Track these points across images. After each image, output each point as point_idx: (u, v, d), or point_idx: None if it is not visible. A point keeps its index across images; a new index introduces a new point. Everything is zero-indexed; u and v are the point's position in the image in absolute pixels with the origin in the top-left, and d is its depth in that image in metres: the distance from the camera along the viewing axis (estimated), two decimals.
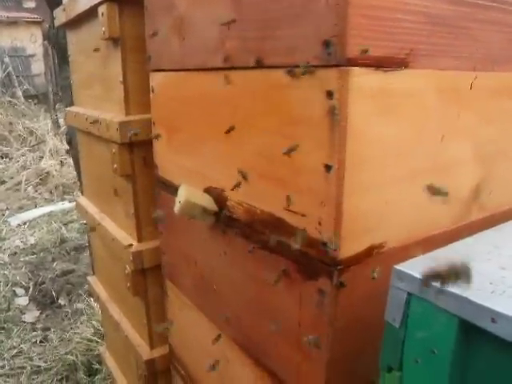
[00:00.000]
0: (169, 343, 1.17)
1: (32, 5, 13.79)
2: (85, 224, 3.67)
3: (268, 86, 0.61)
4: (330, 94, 0.51)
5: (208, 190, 0.77)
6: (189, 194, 0.74)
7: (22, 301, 2.89)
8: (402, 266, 0.48)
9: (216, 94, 0.73)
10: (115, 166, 1.09)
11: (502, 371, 0.40)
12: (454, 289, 0.43)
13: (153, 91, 0.95)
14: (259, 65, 0.61)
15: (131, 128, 1.03)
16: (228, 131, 0.68)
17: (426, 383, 0.46)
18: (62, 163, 5.57)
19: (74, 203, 4.52)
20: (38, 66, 11.45)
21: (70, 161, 5.30)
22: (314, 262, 0.58)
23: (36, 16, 12.64)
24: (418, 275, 0.46)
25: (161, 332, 1.16)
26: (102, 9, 1.04)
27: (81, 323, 2.54)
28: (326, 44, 0.50)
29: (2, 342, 2.42)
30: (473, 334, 0.42)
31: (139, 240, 1.14)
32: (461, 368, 0.43)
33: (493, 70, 0.71)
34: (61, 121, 7.43)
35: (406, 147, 0.60)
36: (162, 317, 1.16)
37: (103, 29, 1.04)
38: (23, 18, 12.44)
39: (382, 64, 0.54)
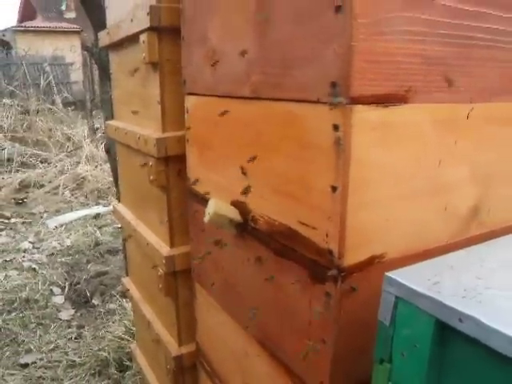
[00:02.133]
0: (196, 341, 1.27)
1: (72, 15, 14.30)
2: (119, 228, 3.84)
3: (285, 115, 0.71)
4: (336, 127, 0.60)
5: (234, 203, 0.88)
6: (217, 207, 0.84)
7: (59, 299, 3.04)
8: (392, 274, 0.57)
9: (242, 120, 0.83)
10: (152, 177, 1.21)
11: (469, 362, 0.49)
12: (432, 293, 0.52)
13: (187, 112, 1.07)
14: (278, 97, 0.71)
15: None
16: (251, 160, 0.79)
17: (410, 372, 0.55)
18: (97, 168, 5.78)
19: (108, 207, 4.69)
20: (76, 74, 11.87)
21: (105, 166, 5.52)
22: (322, 268, 0.68)
23: (76, 26, 13.10)
24: (404, 281, 0.55)
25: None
26: (143, 37, 1.16)
27: (113, 322, 2.67)
28: (333, 85, 0.60)
29: (41, 336, 2.57)
30: (446, 331, 0.50)
31: (172, 245, 1.26)
32: (437, 360, 0.52)
33: (490, 101, 0.79)
34: (97, 127, 7.71)
35: (404, 171, 0.69)
36: (190, 316, 1.27)
37: (143, 54, 1.16)
38: (64, 28, 12.91)
39: (382, 101, 0.63)
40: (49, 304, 2.94)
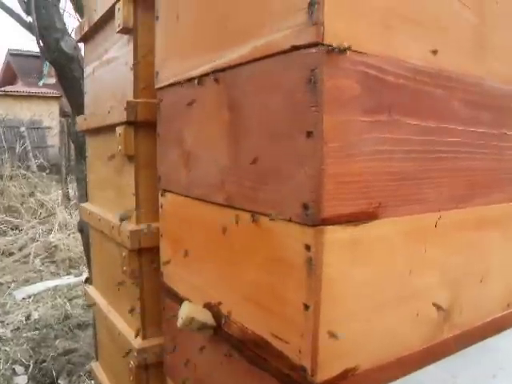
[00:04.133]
0: None
1: (52, 81, 14.49)
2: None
3: (258, 228, 0.72)
4: (307, 247, 0.61)
5: (207, 306, 0.87)
6: (190, 311, 0.83)
7: (21, 380, 2.89)
8: None
9: (215, 225, 0.84)
10: (124, 268, 1.20)
11: None
12: None
13: (161, 207, 1.07)
14: (251, 210, 0.73)
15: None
16: (224, 265, 0.80)
17: None
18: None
19: (80, 278, 4.56)
20: (52, 139, 11.91)
21: (78, 235, 5.43)
22: (295, 383, 0.67)
23: (55, 91, 13.28)
24: None
25: None
26: (119, 129, 1.18)
27: None
28: (305, 206, 0.62)
29: None
30: None
31: (144, 337, 1.22)
32: None
33: (456, 208, 0.82)
34: (71, 193, 7.65)
35: (376, 284, 0.70)
36: None
37: (119, 147, 1.18)
38: (43, 94, 13.06)
39: (353, 219, 0.65)
40: None
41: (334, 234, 0.62)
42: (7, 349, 3.21)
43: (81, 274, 4.68)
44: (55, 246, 5.42)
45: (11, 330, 3.56)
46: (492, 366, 0.70)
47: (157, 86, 1.06)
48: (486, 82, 0.84)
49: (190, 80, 0.91)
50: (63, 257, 5.19)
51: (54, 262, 5.16)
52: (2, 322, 3.72)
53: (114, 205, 1.35)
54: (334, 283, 0.63)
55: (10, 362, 3.05)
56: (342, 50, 0.61)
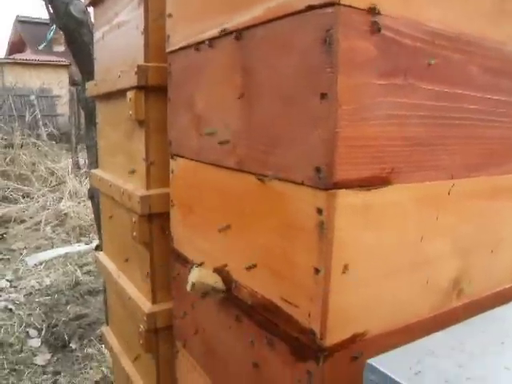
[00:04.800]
0: None
1: (61, 49, 14.42)
2: None
3: (269, 191, 0.72)
4: (319, 211, 0.61)
5: (217, 270, 0.87)
6: (200, 275, 0.84)
7: (35, 342, 2.96)
8: (374, 361, 0.57)
9: (226, 189, 0.84)
10: (134, 233, 1.20)
11: None
12: None
13: (172, 172, 1.07)
14: (263, 173, 0.72)
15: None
16: (235, 229, 0.79)
17: None
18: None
19: (90, 245, 4.62)
20: (62, 107, 11.90)
21: (88, 203, 5.47)
22: (304, 347, 0.67)
23: (64, 59, 13.20)
24: (386, 371, 0.55)
25: None
26: (130, 94, 1.17)
27: (91, 369, 2.61)
28: (317, 170, 0.61)
29: None
30: None
31: (153, 302, 1.24)
32: None
33: (469, 177, 0.81)
34: (81, 162, 7.68)
35: (387, 250, 0.69)
36: (171, 375, 1.24)
37: (130, 112, 1.17)
38: (52, 62, 13.00)
39: (365, 184, 0.64)
40: (24, 348, 2.86)
41: (347, 198, 0.62)
42: (20, 313, 3.28)
43: (91, 242, 4.73)
44: (66, 214, 5.47)
45: (24, 295, 3.62)
46: (500, 333, 0.70)
47: (168, 50, 1.05)
48: (506, 48, 0.82)
49: (202, 43, 0.89)
50: (74, 224, 5.24)
51: (64, 229, 5.21)
52: (15, 287, 3.79)
53: (124, 170, 1.35)
54: (345, 247, 0.63)
55: (23, 325, 3.11)
56: (359, 11, 0.59)
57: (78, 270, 4.02)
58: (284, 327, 0.71)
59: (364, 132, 0.63)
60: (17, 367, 2.65)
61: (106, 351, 2.62)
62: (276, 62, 0.69)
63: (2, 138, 8.02)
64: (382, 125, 0.65)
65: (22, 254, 4.55)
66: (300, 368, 0.69)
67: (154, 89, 1.15)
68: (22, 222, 5.44)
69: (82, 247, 4.66)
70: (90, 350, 2.82)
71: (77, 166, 7.50)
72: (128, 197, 1.23)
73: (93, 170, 1.69)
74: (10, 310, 3.35)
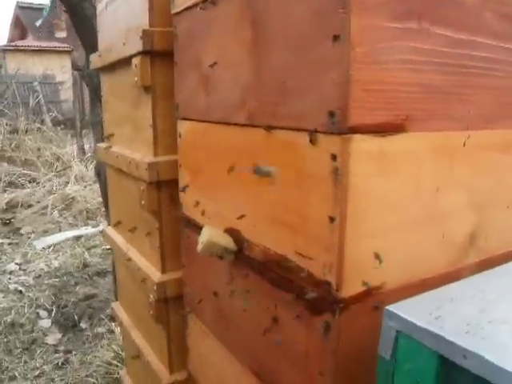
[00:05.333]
0: (188, 369, 1.24)
1: (63, 35, 14.35)
2: (108, 249, 3.79)
3: (281, 144, 0.70)
4: (334, 157, 0.59)
5: (228, 231, 0.86)
6: (211, 235, 0.82)
7: (45, 323, 2.98)
8: (392, 307, 0.56)
9: (236, 147, 0.82)
10: (143, 202, 1.19)
11: None
12: (434, 329, 0.50)
13: (180, 136, 1.05)
14: (274, 125, 0.70)
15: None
16: (245, 187, 0.78)
17: None
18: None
19: (97, 228, 4.64)
20: (66, 93, 11.86)
21: (94, 187, 5.48)
22: (320, 299, 0.66)
23: (66, 45, 13.14)
24: (405, 316, 0.53)
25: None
26: (135, 60, 1.15)
27: (101, 347, 2.62)
28: (331, 114, 0.59)
29: (26, 362, 2.51)
30: (450, 367, 0.49)
31: (163, 271, 1.23)
32: None
33: (485, 128, 0.79)
34: (86, 147, 7.68)
35: (403, 200, 0.68)
36: (182, 344, 1.24)
37: (136, 78, 1.16)
38: (54, 48, 12.93)
39: (380, 130, 0.62)
40: (35, 328, 2.88)
41: (361, 144, 0.60)
42: (30, 295, 3.30)
43: (98, 225, 4.75)
44: (72, 198, 5.47)
45: (33, 278, 3.64)
46: None
47: (173, 11, 1.02)
48: None
49: (207, 0, 0.87)
50: (80, 208, 5.25)
51: (71, 213, 5.22)
52: (25, 270, 3.81)
53: (131, 140, 1.33)
54: (360, 195, 0.61)
55: (33, 306, 3.13)
56: None
57: (86, 253, 4.03)
58: (298, 282, 0.70)
59: (378, 76, 0.61)
60: (29, 346, 2.67)
61: (116, 329, 2.63)
62: (287, 7, 0.67)
63: (6, 124, 8.01)
64: (397, 69, 0.63)
65: (29, 238, 4.57)
66: (316, 322, 0.68)
67: (159, 54, 1.13)
68: (29, 206, 5.46)
69: (89, 230, 4.67)
70: (100, 329, 2.84)
71: (82, 151, 7.49)
72: (135, 165, 1.22)
73: (99, 144, 1.68)
74: (20, 291, 3.37)
